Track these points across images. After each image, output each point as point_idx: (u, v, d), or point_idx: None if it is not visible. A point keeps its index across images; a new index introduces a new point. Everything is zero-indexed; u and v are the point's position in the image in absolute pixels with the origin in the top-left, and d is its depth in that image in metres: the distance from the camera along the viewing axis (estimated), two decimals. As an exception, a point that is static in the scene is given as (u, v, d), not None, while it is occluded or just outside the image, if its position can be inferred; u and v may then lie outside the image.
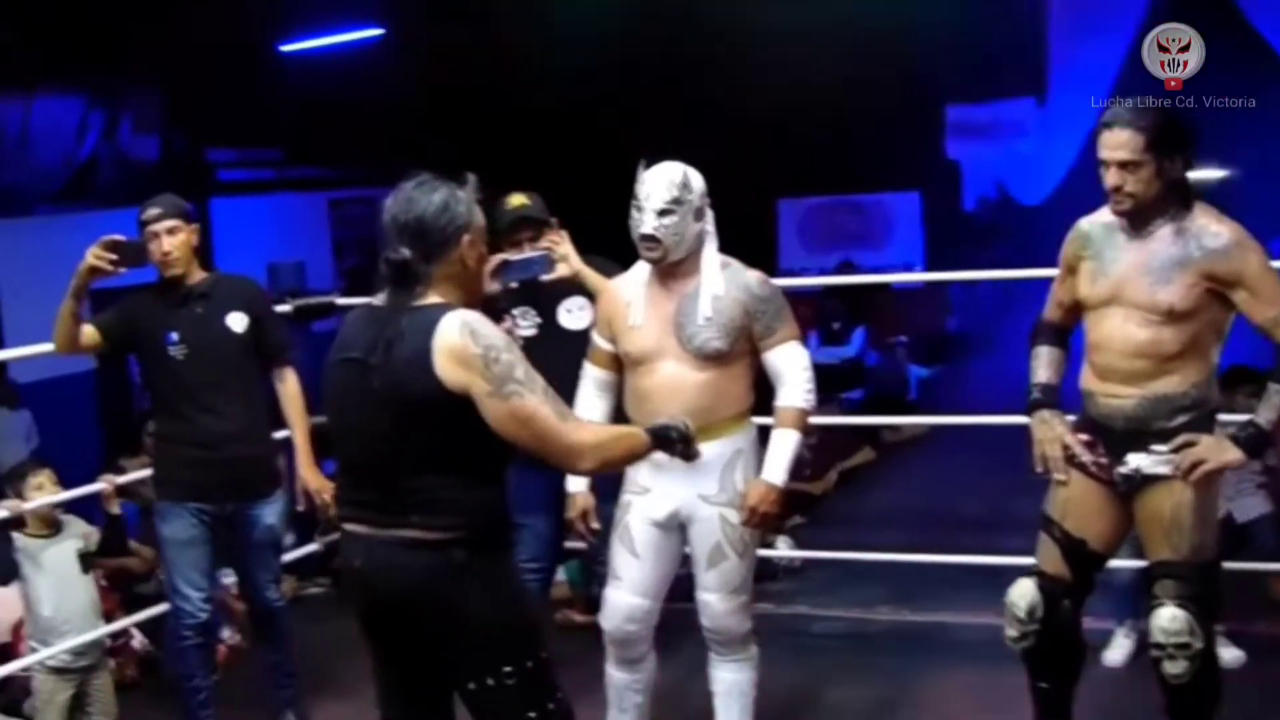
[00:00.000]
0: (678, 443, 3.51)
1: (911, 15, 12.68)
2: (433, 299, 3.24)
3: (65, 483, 5.67)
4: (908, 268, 15.86)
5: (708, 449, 4.18)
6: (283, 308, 6.46)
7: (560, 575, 6.40)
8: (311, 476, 5.29)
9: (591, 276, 4.91)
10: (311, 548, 7.04)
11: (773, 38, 13.23)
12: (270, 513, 5.25)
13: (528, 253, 4.89)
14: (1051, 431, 4.21)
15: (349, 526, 3.35)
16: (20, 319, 11.24)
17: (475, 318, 3.19)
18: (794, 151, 14.50)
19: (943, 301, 14.44)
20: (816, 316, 13.98)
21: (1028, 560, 4.31)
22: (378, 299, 3.32)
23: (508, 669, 3.25)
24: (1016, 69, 12.45)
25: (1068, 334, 4.35)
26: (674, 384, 4.30)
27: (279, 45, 14.02)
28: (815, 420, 9.19)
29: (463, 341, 3.13)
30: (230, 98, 13.15)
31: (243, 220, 14.39)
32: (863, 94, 13.74)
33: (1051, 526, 4.22)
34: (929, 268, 15.58)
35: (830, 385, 12.90)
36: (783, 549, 7.31)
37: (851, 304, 14.03)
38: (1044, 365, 4.33)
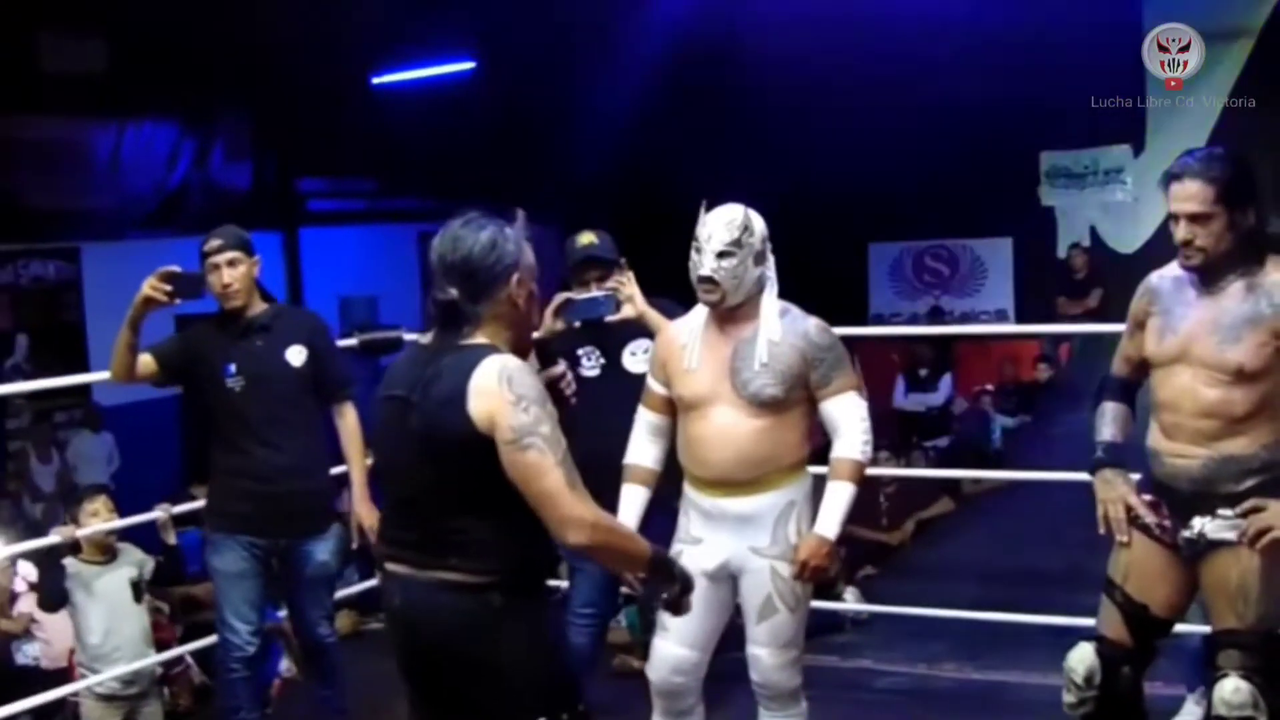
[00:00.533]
0: (675, 584, 3.43)
1: (1007, 61, 12.56)
2: (479, 339, 3.21)
3: (145, 508, 5.66)
4: (999, 314, 15.78)
5: (760, 500, 4.25)
6: (348, 341, 6.47)
7: (620, 620, 6.31)
8: (365, 513, 5.26)
9: (656, 319, 4.82)
10: (373, 582, 6.98)
11: (865, 80, 13.17)
12: (323, 549, 5.23)
13: (594, 292, 4.85)
14: (1114, 491, 4.07)
15: (390, 566, 3.31)
16: (106, 341, 11.37)
17: (516, 366, 3.15)
18: (885, 195, 14.42)
19: (1031, 350, 14.24)
20: (904, 362, 14.06)
21: (1098, 621, 4.17)
22: (425, 338, 3.30)
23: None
24: (1113, 115, 12.25)
25: (1135, 390, 4.20)
26: (727, 431, 4.23)
27: (372, 77, 14.13)
28: (893, 472, 9.25)
29: (498, 386, 3.09)
30: (323, 128, 13.29)
31: (332, 251, 14.49)
32: (956, 138, 13.63)
33: (1113, 590, 4.08)
34: (1020, 314, 15.45)
35: (915, 432, 12.86)
36: (850, 601, 7.16)
37: (940, 350, 14.02)
38: (1109, 423, 4.19)
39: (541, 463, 3.07)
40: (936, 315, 15.85)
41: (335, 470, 5.40)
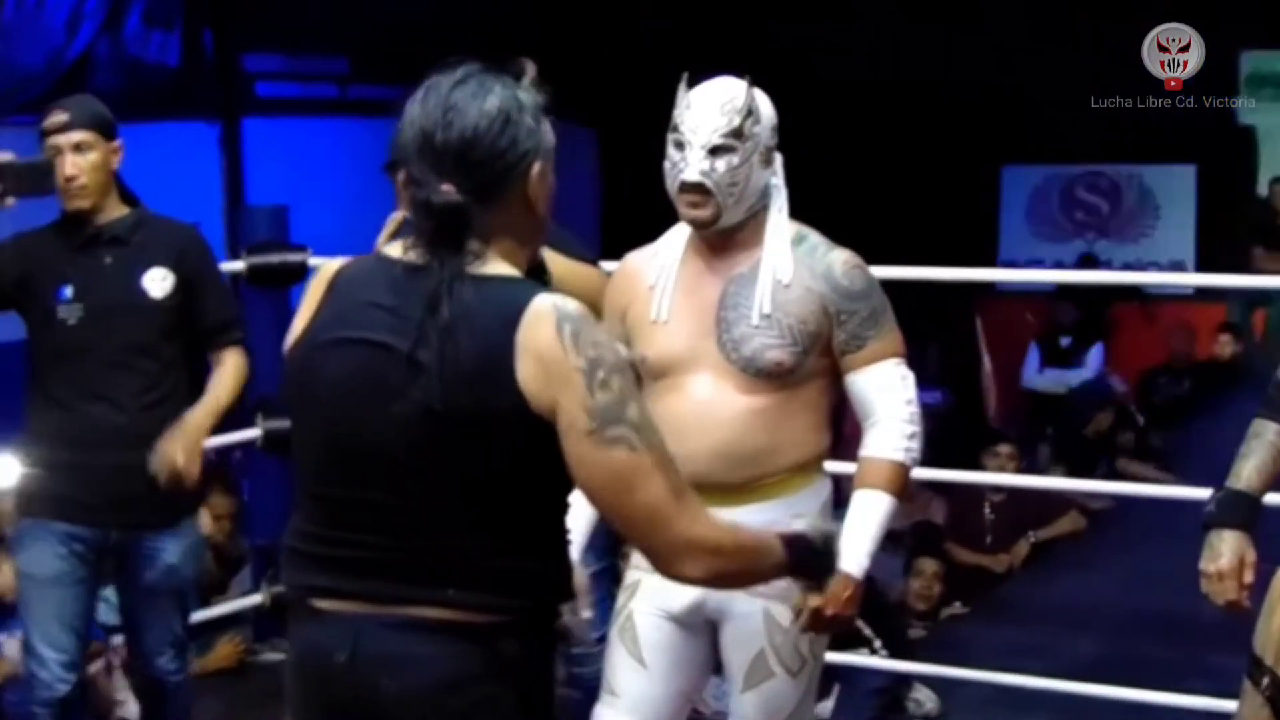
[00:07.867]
0: (816, 564, 3.20)
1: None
2: (497, 267, 2.82)
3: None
4: (1174, 266, 15.53)
5: (755, 513, 3.98)
6: (234, 265, 6.43)
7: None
8: (185, 453, 4.83)
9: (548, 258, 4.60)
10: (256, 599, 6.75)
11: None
12: (173, 549, 5.03)
13: None
14: (1217, 564, 3.75)
15: (321, 603, 2.88)
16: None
17: (577, 311, 2.78)
18: (1027, 105, 14.29)
19: (1216, 316, 13.88)
20: (1043, 326, 14.02)
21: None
22: (397, 251, 2.88)
23: None
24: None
25: None
26: (709, 410, 3.98)
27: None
28: (1005, 480, 8.88)
29: (559, 343, 2.73)
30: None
31: (287, 150, 14.35)
32: (1121, 33, 13.27)
33: (1260, 673, 3.73)
34: (1202, 268, 15.10)
35: (1050, 421, 12.49)
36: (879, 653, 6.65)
37: (1089, 312, 13.85)
38: (1256, 455, 3.79)
39: (639, 465, 2.76)
40: (1089, 265, 15.43)
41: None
